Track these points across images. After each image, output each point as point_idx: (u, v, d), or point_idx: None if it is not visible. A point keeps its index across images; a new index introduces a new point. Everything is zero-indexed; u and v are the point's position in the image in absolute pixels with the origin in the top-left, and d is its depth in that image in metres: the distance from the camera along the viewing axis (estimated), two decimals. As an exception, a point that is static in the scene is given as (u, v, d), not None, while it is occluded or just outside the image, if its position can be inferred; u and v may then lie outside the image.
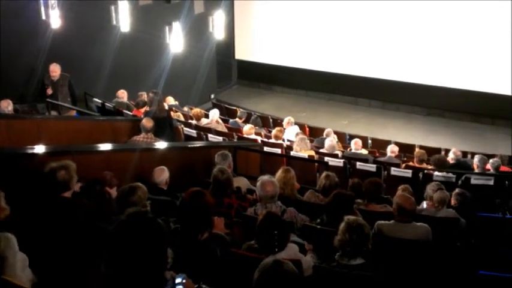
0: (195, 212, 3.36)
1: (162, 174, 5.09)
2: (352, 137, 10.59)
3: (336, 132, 11.04)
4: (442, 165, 7.49)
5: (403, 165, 7.93)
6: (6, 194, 3.86)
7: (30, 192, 3.97)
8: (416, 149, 9.29)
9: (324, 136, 10.04)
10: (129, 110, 9.52)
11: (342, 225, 3.38)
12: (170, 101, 11.47)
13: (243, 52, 16.17)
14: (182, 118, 10.12)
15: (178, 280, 2.19)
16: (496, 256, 4.34)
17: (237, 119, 10.97)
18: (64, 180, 3.86)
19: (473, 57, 12.90)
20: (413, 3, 13.20)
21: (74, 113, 8.72)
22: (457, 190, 5.76)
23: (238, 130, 9.66)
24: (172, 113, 9.42)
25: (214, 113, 10.14)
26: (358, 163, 7.62)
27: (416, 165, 7.85)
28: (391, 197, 5.60)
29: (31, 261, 3.08)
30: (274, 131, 9.30)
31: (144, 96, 10.30)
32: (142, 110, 9.41)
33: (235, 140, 8.75)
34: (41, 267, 3.11)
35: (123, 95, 10.27)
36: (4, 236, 2.85)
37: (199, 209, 3.37)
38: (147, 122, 7.13)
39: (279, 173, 5.17)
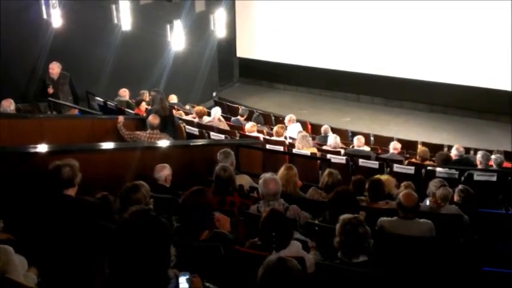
0: (195, 211, 3.37)
1: (162, 171, 5.11)
2: (354, 134, 10.57)
3: (338, 129, 11.03)
4: (447, 163, 7.49)
5: (406, 161, 7.92)
6: (8, 193, 3.89)
7: (33, 191, 3.98)
8: (419, 147, 9.28)
9: (322, 133, 10.04)
10: (130, 109, 9.52)
11: (337, 226, 3.37)
12: (173, 99, 11.48)
13: (245, 50, 16.15)
14: (184, 116, 10.12)
15: (182, 278, 2.19)
16: (499, 252, 4.33)
17: (239, 117, 10.97)
18: (69, 177, 3.87)
19: (476, 53, 12.85)
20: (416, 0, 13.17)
21: (76, 111, 8.74)
22: (460, 186, 5.75)
23: (240, 128, 9.66)
24: (174, 111, 9.43)
25: (216, 111, 10.14)
26: (360, 160, 7.62)
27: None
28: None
29: (34, 260, 3.09)
30: (275, 128, 9.30)
31: (146, 94, 10.33)
32: (143, 108, 9.44)
33: (238, 138, 8.75)
34: (45, 266, 3.12)
35: (125, 93, 10.27)
36: (3, 250, 2.82)
37: (200, 208, 3.37)
38: (154, 119, 7.19)
39: (282, 170, 5.17)
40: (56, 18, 9.19)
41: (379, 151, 9.41)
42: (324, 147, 8.70)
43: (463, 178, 6.81)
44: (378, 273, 3.23)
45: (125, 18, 10.45)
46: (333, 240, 3.39)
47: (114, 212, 3.89)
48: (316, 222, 4.29)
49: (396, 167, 7.31)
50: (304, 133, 8.80)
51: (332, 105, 14.74)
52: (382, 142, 10.41)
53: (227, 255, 3.26)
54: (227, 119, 10.90)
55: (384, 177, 5.98)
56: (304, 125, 11.05)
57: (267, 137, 9.09)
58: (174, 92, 11.83)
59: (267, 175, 4.49)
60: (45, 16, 9.21)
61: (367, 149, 8.88)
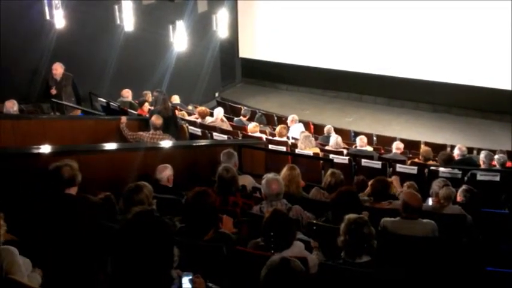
0: (200, 212, 3.37)
1: (164, 171, 5.11)
2: (357, 134, 10.56)
3: (341, 130, 11.02)
4: (449, 163, 7.47)
5: (409, 161, 7.91)
6: (12, 193, 3.89)
7: (35, 191, 3.98)
8: (422, 146, 9.26)
9: (325, 133, 10.03)
10: (133, 109, 9.53)
11: (342, 226, 3.37)
12: (175, 99, 11.48)
13: (247, 50, 16.15)
14: (187, 117, 10.13)
15: (185, 278, 2.20)
16: (502, 252, 4.32)
17: (241, 117, 10.97)
18: (70, 176, 3.88)
19: (479, 52, 12.83)
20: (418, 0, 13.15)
21: (79, 112, 8.75)
22: (464, 187, 5.72)
23: (243, 128, 9.66)
24: (177, 112, 9.43)
25: (219, 112, 10.14)
26: (363, 160, 7.60)
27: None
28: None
29: (38, 262, 3.10)
30: (278, 128, 9.30)
31: (149, 95, 10.33)
32: (146, 109, 9.44)
33: (240, 138, 8.75)
34: (47, 266, 3.12)
35: (127, 94, 10.28)
36: (7, 251, 2.84)
37: (204, 209, 3.37)
38: (157, 120, 7.20)
39: (284, 170, 5.17)
40: (58, 19, 9.20)
41: (382, 151, 9.40)
42: (326, 148, 8.69)
43: (466, 178, 6.79)
44: (381, 274, 3.22)
45: (127, 18, 10.48)
46: (337, 239, 3.38)
47: (117, 212, 3.90)
48: (319, 222, 4.29)
49: (399, 167, 7.30)
50: (307, 133, 8.80)
51: (334, 105, 14.74)
52: (385, 142, 10.40)
53: (230, 256, 3.26)
54: (230, 119, 10.90)
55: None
56: (306, 125, 11.04)
57: (270, 138, 9.09)
58: (176, 92, 11.84)
59: (270, 175, 4.48)
60: (47, 17, 9.22)
61: (369, 149, 8.87)
